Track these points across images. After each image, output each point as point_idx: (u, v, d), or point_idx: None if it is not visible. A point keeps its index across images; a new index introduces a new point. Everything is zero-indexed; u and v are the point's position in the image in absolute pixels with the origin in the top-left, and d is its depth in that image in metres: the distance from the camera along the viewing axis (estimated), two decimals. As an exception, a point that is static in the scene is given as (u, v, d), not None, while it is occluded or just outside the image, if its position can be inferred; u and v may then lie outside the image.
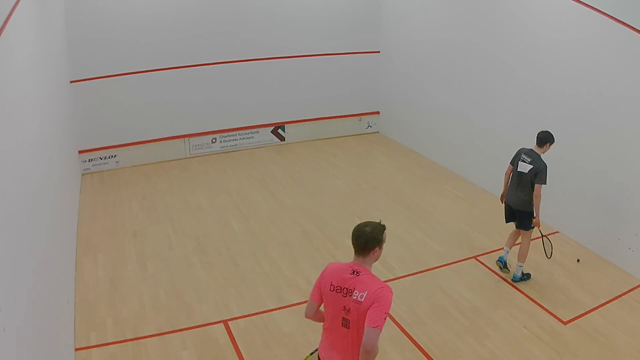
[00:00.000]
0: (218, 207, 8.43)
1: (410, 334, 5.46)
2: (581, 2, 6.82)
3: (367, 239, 3.39)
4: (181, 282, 6.42)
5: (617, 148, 6.60)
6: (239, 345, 5.32)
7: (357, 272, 3.39)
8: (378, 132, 12.18)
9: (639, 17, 6.17)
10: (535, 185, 5.94)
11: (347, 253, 7.12)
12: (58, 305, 4.81)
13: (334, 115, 11.70)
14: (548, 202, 7.69)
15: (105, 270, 6.65)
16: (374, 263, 3.54)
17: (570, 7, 6.99)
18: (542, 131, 6.15)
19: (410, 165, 10.25)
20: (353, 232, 3.45)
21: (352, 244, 3.46)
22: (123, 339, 5.41)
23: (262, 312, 5.85)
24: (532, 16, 7.66)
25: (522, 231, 6.34)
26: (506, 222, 6.52)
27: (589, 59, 6.83)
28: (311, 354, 3.95)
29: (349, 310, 3.32)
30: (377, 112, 12.07)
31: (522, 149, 6.24)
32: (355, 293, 3.31)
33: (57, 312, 4.70)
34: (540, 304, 5.96)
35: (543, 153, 6.08)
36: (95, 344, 5.33)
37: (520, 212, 6.21)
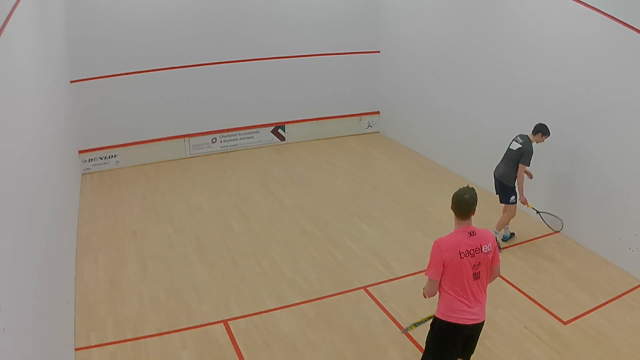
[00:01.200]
0: (218, 207, 8.43)
1: (411, 334, 5.46)
2: (581, 2, 6.82)
3: (470, 205, 3.98)
4: (181, 282, 6.42)
5: (617, 148, 6.60)
6: (239, 345, 5.32)
7: (473, 233, 4.01)
8: (378, 132, 12.18)
9: (639, 17, 6.17)
10: (519, 164, 6.73)
11: (347, 253, 7.18)
12: (58, 305, 4.81)
13: (334, 115, 11.70)
14: (548, 202, 7.72)
15: (105, 270, 6.65)
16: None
17: (570, 7, 6.99)
18: (539, 123, 6.86)
19: (410, 165, 10.25)
20: (455, 202, 4.00)
21: (455, 211, 4.01)
22: (123, 339, 5.41)
23: (262, 312, 5.85)
24: (532, 16, 7.66)
25: (504, 205, 7.10)
26: (497, 194, 7.16)
27: (589, 59, 6.84)
28: (415, 325, 4.60)
29: (479, 264, 4.00)
30: (377, 112, 12.07)
31: (521, 133, 6.96)
32: (485, 247, 4.01)
33: (57, 312, 4.70)
34: (540, 304, 5.96)
35: (535, 142, 6.81)
36: (95, 344, 5.33)
37: (501, 184, 6.95)
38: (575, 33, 7.01)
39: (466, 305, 4.04)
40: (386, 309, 5.90)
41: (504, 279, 6.44)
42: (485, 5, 8.65)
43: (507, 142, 8.44)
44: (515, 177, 6.82)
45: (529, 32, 7.72)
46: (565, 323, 5.64)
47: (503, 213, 7.20)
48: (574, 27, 7.03)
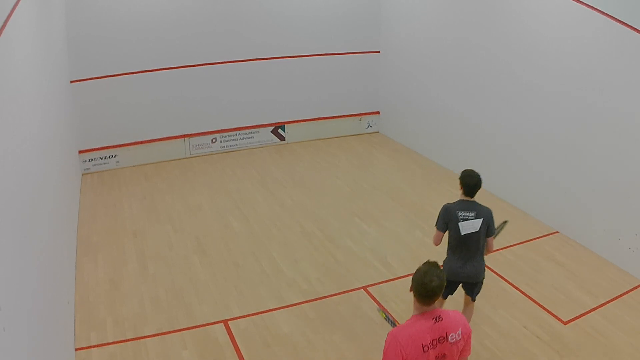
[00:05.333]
0: (218, 207, 8.43)
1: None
2: (581, 2, 6.82)
3: (438, 292, 3.19)
4: (181, 282, 6.42)
5: (617, 148, 6.59)
6: (239, 345, 5.32)
7: (439, 318, 3.23)
8: (378, 132, 12.18)
9: (639, 17, 6.17)
10: (487, 239, 4.87)
11: (347, 253, 7.17)
12: (58, 305, 4.82)
13: (334, 115, 11.70)
14: (548, 202, 7.72)
15: (105, 270, 6.65)
16: None
17: (570, 7, 6.99)
18: (465, 173, 4.97)
19: (410, 165, 10.25)
20: (419, 289, 3.22)
21: (419, 298, 3.23)
22: (123, 339, 5.41)
23: (262, 312, 5.85)
24: (533, 16, 7.66)
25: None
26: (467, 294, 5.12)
27: (589, 59, 6.83)
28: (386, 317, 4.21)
29: (443, 356, 3.24)
30: (377, 112, 12.07)
31: (462, 202, 4.86)
32: (451, 336, 3.23)
33: (57, 312, 4.70)
34: (540, 304, 5.96)
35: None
36: (95, 344, 5.33)
37: (476, 284, 5.00)
38: (575, 33, 7.01)
39: None
40: (386, 309, 5.90)
41: (504, 279, 6.44)
42: (485, 5, 8.64)
43: (507, 141, 8.47)
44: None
45: (530, 31, 7.72)
46: (565, 323, 5.64)
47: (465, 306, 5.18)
48: (574, 27, 7.03)
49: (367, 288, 6.29)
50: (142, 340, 5.40)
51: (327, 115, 11.64)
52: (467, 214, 4.75)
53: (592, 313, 5.82)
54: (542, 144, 7.73)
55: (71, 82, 9.29)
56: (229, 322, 5.68)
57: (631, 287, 6.29)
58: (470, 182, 4.82)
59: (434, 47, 9.91)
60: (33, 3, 5.55)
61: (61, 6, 8.75)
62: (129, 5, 9.51)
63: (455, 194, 8.87)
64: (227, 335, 5.48)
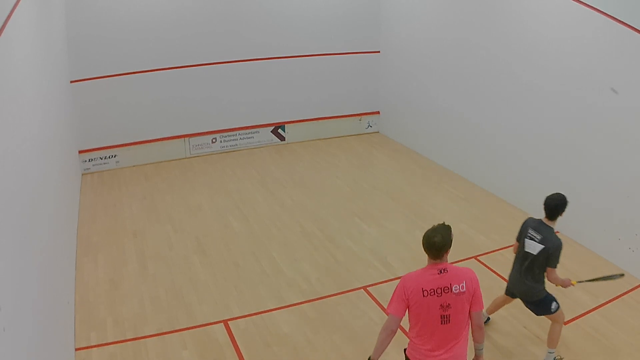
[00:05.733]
0: (218, 207, 8.43)
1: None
2: (581, 2, 6.82)
3: (440, 247, 3.52)
4: (181, 282, 6.42)
5: (617, 148, 6.59)
6: (239, 345, 5.32)
7: (444, 270, 3.55)
8: (378, 132, 12.18)
9: (639, 17, 6.17)
10: (548, 268, 4.74)
11: (347, 253, 7.17)
12: (58, 305, 4.82)
13: (334, 115, 11.70)
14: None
15: (105, 270, 6.65)
16: None
17: (570, 7, 6.99)
18: (552, 198, 4.74)
19: (410, 165, 10.25)
20: (424, 243, 3.56)
21: (426, 251, 3.58)
22: (123, 339, 5.41)
23: (262, 312, 5.85)
24: (533, 15, 7.65)
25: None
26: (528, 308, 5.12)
27: (589, 59, 6.83)
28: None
29: (448, 306, 3.52)
30: (377, 112, 12.07)
31: (532, 223, 4.85)
32: (455, 287, 3.52)
33: (57, 312, 4.70)
34: (540, 304, 5.95)
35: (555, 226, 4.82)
36: (95, 344, 5.33)
37: (528, 302, 5.01)
38: (575, 33, 7.01)
39: (430, 351, 3.59)
40: (386, 309, 5.89)
41: (504, 279, 6.43)
42: (485, 5, 8.64)
43: (507, 141, 8.46)
44: (544, 287, 4.86)
45: (530, 31, 7.72)
46: (565, 323, 5.62)
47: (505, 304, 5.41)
48: (574, 27, 7.03)
49: (367, 288, 6.29)
50: (142, 340, 5.40)
51: (327, 115, 11.64)
52: (535, 235, 4.75)
53: (592, 313, 5.82)
54: (542, 144, 7.73)
55: (71, 82, 9.29)
56: (229, 322, 5.68)
57: (631, 287, 6.28)
58: (550, 203, 4.72)
59: (434, 47, 9.91)
60: (33, 3, 5.55)
61: (61, 6, 8.75)
62: (129, 5, 9.51)
63: (454, 193, 8.93)
64: (227, 335, 5.48)
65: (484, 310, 4.19)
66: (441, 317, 3.54)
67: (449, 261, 3.64)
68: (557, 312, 4.89)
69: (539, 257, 4.68)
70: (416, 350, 3.70)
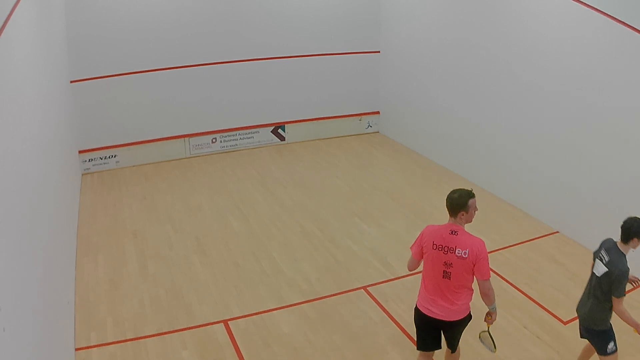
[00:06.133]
0: (218, 207, 8.43)
1: (411, 334, 5.46)
2: (581, 2, 6.82)
3: (453, 204, 3.98)
4: (181, 282, 6.42)
5: (617, 148, 6.59)
6: (239, 345, 5.32)
7: (455, 232, 3.97)
8: (378, 132, 12.18)
9: (639, 17, 6.17)
10: (613, 297, 4.21)
11: (347, 253, 7.17)
12: (58, 305, 4.81)
13: (334, 115, 11.70)
14: (548, 202, 7.72)
15: (105, 270, 6.65)
16: (467, 224, 4.12)
17: (570, 7, 6.99)
18: (632, 219, 4.26)
19: (410, 165, 10.25)
20: (446, 199, 4.08)
21: (446, 207, 4.06)
22: (123, 339, 5.41)
23: (262, 312, 5.85)
24: (533, 15, 7.66)
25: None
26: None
27: (589, 59, 6.83)
28: (482, 333, 4.51)
29: (450, 264, 3.96)
30: (377, 112, 12.07)
31: (606, 244, 4.42)
32: (458, 250, 3.93)
33: (57, 312, 4.70)
34: (540, 304, 5.96)
35: (632, 248, 4.28)
36: (95, 344, 5.33)
37: (587, 330, 4.50)
38: (575, 33, 7.01)
39: (430, 298, 4.14)
40: (386, 309, 5.90)
41: (503, 279, 6.44)
42: (485, 5, 8.64)
43: (507, 142, 8.46)
44: (607, 317, 4.34)
45: (530, 31, 7.72)
46: (565, 323, 5.63)
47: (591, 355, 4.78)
48: (574, 27, 7.03)
49: (367, 288, 6.29)
50: (142, 340, 5.40)
51: (327, 115, 11.64)
52: (604, 256, 4.32)
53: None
54: (542, 144, 7.73)
55: (71, 82, 9.29)
56: (229, 322, 5.68)
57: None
58: (623, 225, 4.23)
59: (434, 47, 9.91)
60: (33, 3, 5.55)
61: (61, 6, 8.75)
62: (129, 5, 9.51)
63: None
64: (227, 335, 5.47)
65: None
66: (443, 272, 4.00)
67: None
68: (612, 355, 4.36)
69: (602, 281, 4.25)
70: (421, 296, 4.21)
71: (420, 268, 4.30)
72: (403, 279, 6.46)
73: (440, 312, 4.11)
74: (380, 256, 6.98)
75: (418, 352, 4.49)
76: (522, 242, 7.31)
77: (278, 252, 7.09)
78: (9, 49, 3.96)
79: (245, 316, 5.79)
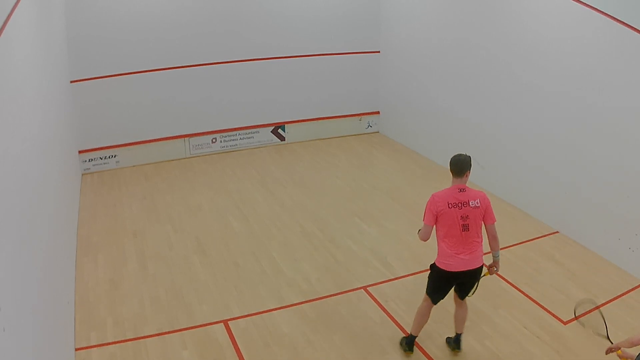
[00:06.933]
0: (218, 207, 8.43)
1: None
2: (581, 2, 6.82)
3: (463, 164, 4.64)
4: (181, 282, 6.42)
5: (617, 148, 6.59)
6: (239, 345, 5.32)
7: (462, 190, 4.61)
8: (378, 132, 12.18)
9: (639, 17, 6.17)
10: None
11: (347, 253, 7.17)
12: (58, 305, 4.82)
13: (334, 115, 11.70)
14: (548, 202, 7.72)
15: (105, 270, 6.65)
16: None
17: (570, 7, 6.99)
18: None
19: (410, 165, 10.25)
20: (451, 163, 4.67)
21: (452, 171, 4.67)
22: (123, 339, 5.41)
23: (262, 312, 5.85)
24: (533, 16, 7.65)
25: None
26: None
27: (589, 59, 6.83)
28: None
29: (467, 216, 4.57)
30: (377, 112, 12.07)
31: None
32: (472, 202, 4.58)
33: (57, 312, 4.70)
34: (540, 304, 5.96)
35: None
36: (95, 344, 5.33)
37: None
38: (575, 33, 7.01)
39: (456, 254, 4.63)
40: (386, 309, 5.90)
41: (503, 279, 6.43)
42: (485, 5, 8.64)
43: (507, 142, 8.46)
44: None
45: (530, 32, 7.72)
46: (565, 323, 5.63)
47: None
48: (574, 27, 7.03)
49: (367, 288, 6.29)
50: (142, 340, 5.40)
51: (327, 115, 11.64)
52: None
53: (592, 313, 5.81)
54: (542, 144, 7.73)
55: (71, 82, 9.29)
56: (229, 322, 5.68)
57: (631, 287, 6.28)
58: None
59: (434, 47, 9.91)
60: (33, 3, 5.55)
61: (61, 6, 8.75)
62: (129, 5, 9.51)
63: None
64: (227, 335, 5.47)
65: None
66: (462, 226, 4.57)
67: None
68: None
69: None
70: (444, 255, 4.68)
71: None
72: (403, 279, 6.46)
73: (472, 263, 4.67)
74: (380, 256, 6.98)
75: (424, 308, 5.03)
76: (522, 242, 7.31)
77: (278, 252, 7.09)
78: (9, 49, 3.96)
79: (245, 316, 5.79)
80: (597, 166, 6.90)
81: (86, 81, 9.47)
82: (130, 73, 9.78)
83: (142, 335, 5.47)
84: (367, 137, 11.88)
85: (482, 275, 4.89)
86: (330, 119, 11.68)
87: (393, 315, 5.77)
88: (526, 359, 5.15)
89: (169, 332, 5.51)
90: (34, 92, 5.06)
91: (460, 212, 4.56)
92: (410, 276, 6.52)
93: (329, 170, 10.01)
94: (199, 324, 5.65)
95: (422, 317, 5.08)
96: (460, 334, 5.17)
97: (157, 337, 5.44)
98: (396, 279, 6.46)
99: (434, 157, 10.34)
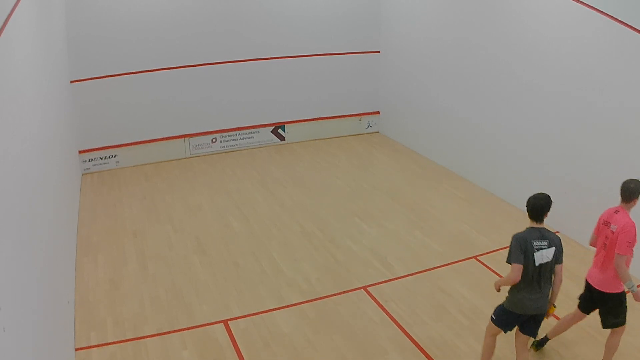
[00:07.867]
0: (218, 207, 8.43)
1: (411, 334, 5.47)
2: (581, 2, 6.82)
3: (631, 191, 4.67)
4: (181, 282, 6.42)
5: (617, 147, 6.59)
6: (239, 345, 5.32)
7: (617, 211, 4.77)
8: (378, 132, 12.18)
9: (639, 17, 6.17)
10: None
11: (347, 253, 7.17)
12: (58, 305, 4.82)
13: (334, 115, 11.70)
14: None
15: (105, 270, 6.65)
16: None
17: (570, 7, 6.99)
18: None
19: (410, 165, 10.25)
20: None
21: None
22: (123, 339, 5.41)
23: (262, 312, 5.85)
24: (533, 15, 7.66)
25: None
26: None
27: (589, 59, 6.83)
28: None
29: (607, 237, 4.79)
30: (377, 112, 12.07)
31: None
32: (612, 226, 4.76)
33: (57, 312, 4.70)
34: (540, 304, 5.94)
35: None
36: (95, 344, 5.33)
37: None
38: (575, 33, 7.01)
39: (592, 269, 5.08)
40: (386, 309, 5.90)
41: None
42: (485, 5, 8.64)
43: (507, 142, 8.46)
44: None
45: (530, 31, 7.72)
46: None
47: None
48: (574, 27, 7.03)
49: (367, 288, 6.29)
50: (142, 340, 5.40)
51: (327, 115, 11.64)
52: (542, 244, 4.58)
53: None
54: (542, 143, 7.73)
55: (71, 82, 9.29)
56: (229, 322, 5.68)
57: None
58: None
59: (434, 47, 9.91)
60: (33, 3, 5.55)
61: (61, 6, 8.75)
62: (129, 5, 9.51)
63: (455, 193, 8.93)
64: (227, 335, 5.48)
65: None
66: (603, 245, 4.87)
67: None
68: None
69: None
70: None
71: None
72: (403, 279, 6.46)
73: (591, 279, 4.98)
74: (380, 256, 6.98)
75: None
76: (522, 242, 7.29)
77: (278, 252, 7.09)
78: (9, 49, 3.97)
79: (245, 316, 5.79)
80: (597, 166, 6.90)
81: (86, 81, 9.47)
82: (130, 73, 9.78)
83: (142, 335, 5.47)
84: (367, 137, 11.87)
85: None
86: (330, 119, 11.68)
87: (393, 315, 5.77)
88: (526, 359, 5.14)
89: (169, 332, 5.51)
90: (34, 92, 5.06)
91: (605, 231, 4.90)
92: (410, 276, 6.52)
93: (329, 170, 10.01)
94: (199, 324, 5.65)
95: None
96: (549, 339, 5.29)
97: (157, 337, 5.44)
98: (396, 279, 6.46)
99: (434, 157, 10.34)
